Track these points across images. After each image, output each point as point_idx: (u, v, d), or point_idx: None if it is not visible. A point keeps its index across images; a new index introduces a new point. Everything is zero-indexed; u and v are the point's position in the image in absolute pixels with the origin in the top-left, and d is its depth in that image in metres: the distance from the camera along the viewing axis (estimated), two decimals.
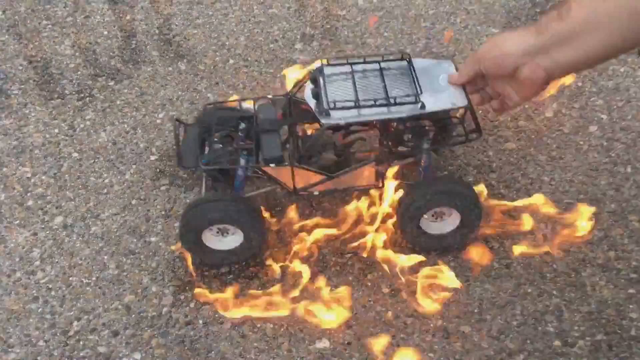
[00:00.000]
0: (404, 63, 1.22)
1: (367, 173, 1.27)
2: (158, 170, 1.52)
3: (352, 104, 1.13)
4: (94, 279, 1.31)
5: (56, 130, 1.62)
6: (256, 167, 1.24)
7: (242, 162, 1.24)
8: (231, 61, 1.81)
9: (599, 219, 1.39)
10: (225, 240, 1.27)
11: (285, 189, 1.27)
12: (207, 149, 1.27)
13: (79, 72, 1.79)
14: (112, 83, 1.75)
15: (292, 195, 1.31)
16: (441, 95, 1.16)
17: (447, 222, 1.29)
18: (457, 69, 1.19)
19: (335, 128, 1.30)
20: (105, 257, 1.35)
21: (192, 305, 1.26)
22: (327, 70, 1.20)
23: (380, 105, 1.14)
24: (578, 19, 0.87)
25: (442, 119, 1.29)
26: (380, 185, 1.31)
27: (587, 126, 1.60)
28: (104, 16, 1.98)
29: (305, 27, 1.93)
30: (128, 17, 1.98)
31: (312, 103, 1.16)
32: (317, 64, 1.22)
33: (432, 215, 1.28)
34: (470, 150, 1.53)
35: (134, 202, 1.45)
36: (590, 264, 1.31)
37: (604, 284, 1.27)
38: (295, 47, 1.86)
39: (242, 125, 1.28)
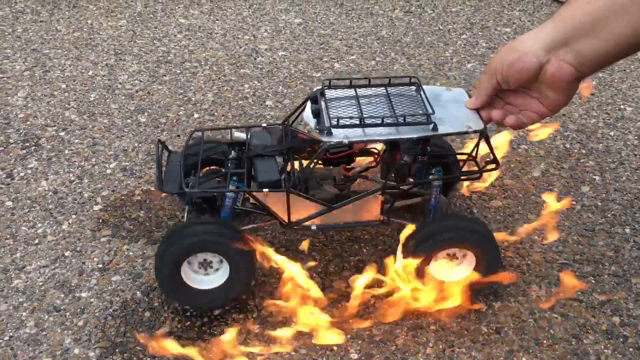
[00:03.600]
0: (412, 88, 1.10)
1: (371, 207, 1.14)
2: (101, 220, 1.34)
3: (357, 121, 1.01)
4: (6, 338, 1.09)
5: None
6: (247, 190, 1.11)
7: (232, 187, 1.11)
8: (196, 115, 1.69)
9: (599, 282, 1.22)
10: (207, 278, 1.10)
11: (279, 221, 1.13)
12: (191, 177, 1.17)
13: (28, 122, 1.64)
14: (62, 133, 1.60)
15: (286, 228, 1.16)
16: (454, 118, 1.03)
17: (461, 267, 1.14)
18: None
19: (333, 161, 1.17)
20: (24, 313, 1.14)
21: None
22: (329, 92, 1.09)
23: (388, 125, 1.01)
24: (600, 1, 0.74)
25: (448, 154, 1.21)
26: (385, 221, 1.16)
27: (579, 186, 1.47)
28: (64, 71, 1.87)
29: (277, 86, 1.83)
30: (90, 73, 1.87)
31: (312, 122, 1.04)
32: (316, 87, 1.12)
33: (445, 258, 1.13)
34: (453, 208, 1.38)
35: (67, 253, 1.26)
36: (592, 330, 1.12)
37: (610, 353, 1.08)
38: (266, 104, 1.74)
39: (233, 154, 1.18)
